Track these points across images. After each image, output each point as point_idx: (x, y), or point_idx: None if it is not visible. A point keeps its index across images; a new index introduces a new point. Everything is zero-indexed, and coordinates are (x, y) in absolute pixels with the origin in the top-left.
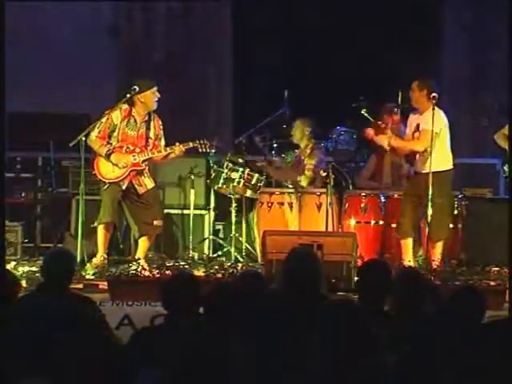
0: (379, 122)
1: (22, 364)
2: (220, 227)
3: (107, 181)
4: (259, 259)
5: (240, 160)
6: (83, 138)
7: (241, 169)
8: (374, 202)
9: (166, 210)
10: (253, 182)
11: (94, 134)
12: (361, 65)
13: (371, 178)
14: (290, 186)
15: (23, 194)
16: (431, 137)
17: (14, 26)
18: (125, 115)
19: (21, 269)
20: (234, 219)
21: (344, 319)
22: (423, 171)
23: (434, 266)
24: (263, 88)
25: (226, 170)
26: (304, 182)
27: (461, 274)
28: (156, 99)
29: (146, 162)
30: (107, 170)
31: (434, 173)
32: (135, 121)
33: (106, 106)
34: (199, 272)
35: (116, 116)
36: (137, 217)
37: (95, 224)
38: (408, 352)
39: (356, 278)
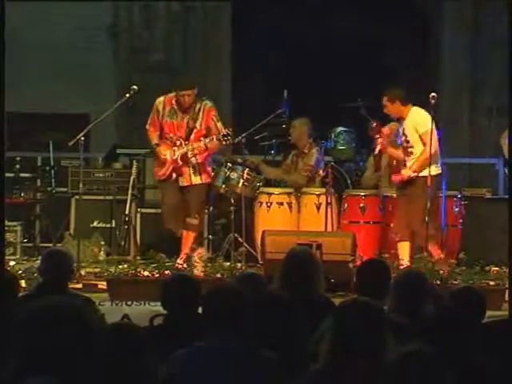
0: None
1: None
2: (219, 227)
3: (157, 178)
4: (258, 259)
5: (239, 160)
6: (82, 138)
7: (240, 168)
8: (374, 202)
9: None
10: (252, 181)
11: (147, 124)
12: (361, 65)
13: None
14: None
15: (23, 194)
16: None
17: (14, 26)
18: (166, 103)
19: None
20: (233, 219)
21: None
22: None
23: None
24: (263, 88)
25: (225, 170)
26: (301, 182)
27: (460, 274)
28: (186, 104)
29: (191, 156)
30: (158, 165)
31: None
32: (175, 109)
33: (106, 106)
34: (199, 272)
35: (159, 102)
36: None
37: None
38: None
39: (355, 278)
